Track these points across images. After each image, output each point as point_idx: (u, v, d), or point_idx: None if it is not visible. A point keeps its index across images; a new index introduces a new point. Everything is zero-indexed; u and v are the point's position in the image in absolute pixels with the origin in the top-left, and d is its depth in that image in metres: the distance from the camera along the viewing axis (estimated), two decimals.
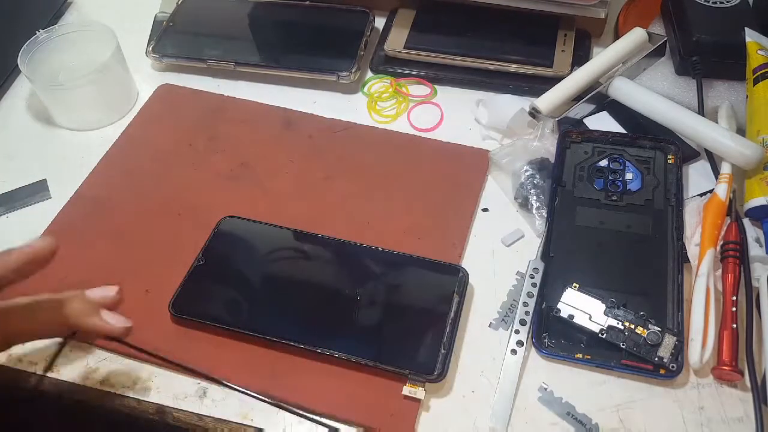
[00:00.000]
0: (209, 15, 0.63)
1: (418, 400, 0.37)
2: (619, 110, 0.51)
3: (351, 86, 0.56)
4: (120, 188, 0.49)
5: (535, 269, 0.42)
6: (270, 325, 0.39)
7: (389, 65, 0.57)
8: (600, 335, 0.38)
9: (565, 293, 0.40)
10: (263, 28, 0.61)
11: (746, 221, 0.43)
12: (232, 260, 0.43)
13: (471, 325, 0.41)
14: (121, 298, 0.37)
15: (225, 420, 0.37)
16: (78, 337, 0.35)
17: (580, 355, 0.38)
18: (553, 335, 0.39)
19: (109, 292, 0.36)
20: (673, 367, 0.37)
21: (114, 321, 0.35)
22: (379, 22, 0.60)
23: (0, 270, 0.32)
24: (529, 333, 0.40)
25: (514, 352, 0.39)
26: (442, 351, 0.38)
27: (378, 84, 0.57)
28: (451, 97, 0.55)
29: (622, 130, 0.50)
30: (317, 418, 0.36)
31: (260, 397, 0.36)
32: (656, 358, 0.37)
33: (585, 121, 0.51)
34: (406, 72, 0.56)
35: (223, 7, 0.63)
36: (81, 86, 0.52)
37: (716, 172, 0.46)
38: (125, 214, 0.47)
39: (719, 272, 0.41)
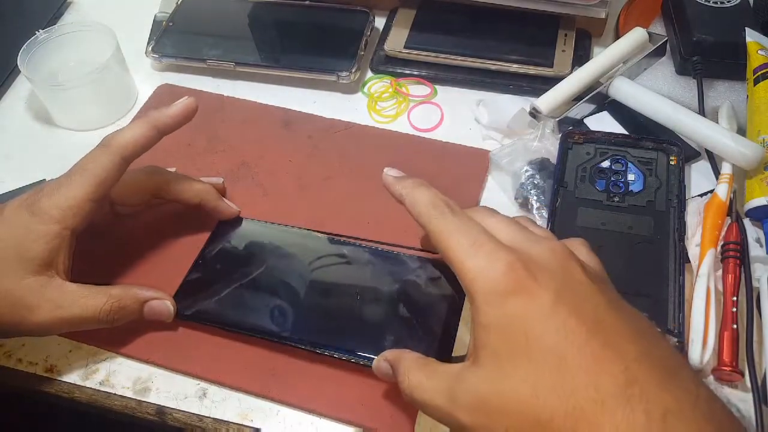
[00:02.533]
0: (209, 15, 0.63)
1: None
2: (619, 110, 0.51)
3: (351, 86, 0.56)
4: None
5: None
6: (270, 325, 0.39)
7: (389, 65, 0.57)
8: None
9: None
10: (263, 28, 0.61)
11: (747, 221, 0.43)
12: (232, 261, 0.43)
13: None
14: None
15: (225, 421, 0.37)
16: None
17: None
18: None
19: (219, 180, 0.47)
20: None
21: (232, 204, 0.45)
22: (379, 22, 0.60)
23: (162, 117, 0.41)
24: None
25: None
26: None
27: (378, 84, 0.57)
28: (452, 97, 0.55)
29: (623, 130, 0.50)
30: None
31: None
32: None
33: (585, 121, 0.51)
34: (406, 72, 0.56)
35: (223, 7, 0.63)
36: (80, 86, 0.52)
37: (717, 173, 0.46)
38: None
39: (720, 272, 0.41)
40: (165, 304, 0.39)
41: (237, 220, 0.45)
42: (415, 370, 0.31)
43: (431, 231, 0.32)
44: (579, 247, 0.33)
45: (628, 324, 0.27)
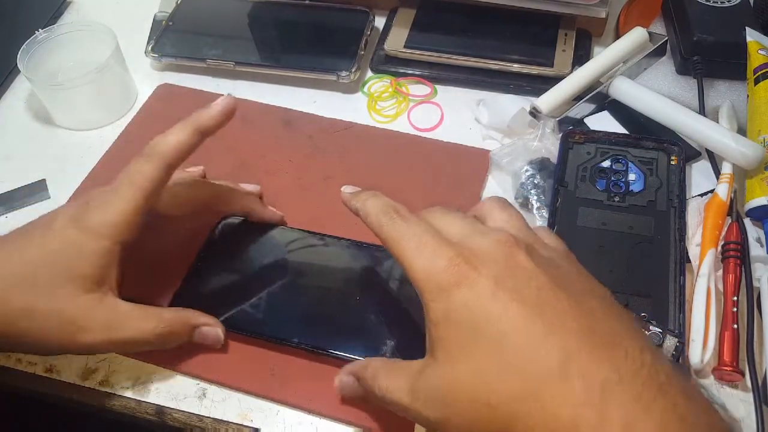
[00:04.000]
0: (208, 14, 0.63)
1: None
2: (619, 110, 0.51)
3: (351, 86, 0.56)
4: None
5: None
6: (269, 325, 0.39)
7: (389, 65, 0.57)
8: None
9: None
10: (263, 28, 0.61)
11: (747, 221, 0.43)
12: (231, 261, 0.43)
13: None
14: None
15: (224, 421, 0.37)
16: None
17: None
18: None
19: (257, 188, 0.47)
20: None
21: (276, 211, 0.45)
22: (379, 22, 0.60)
23: (203, 119, 0.39)
24: None
25: None
26: None
27: (378, 83, 0.57)
28: (452, 96, 0.55)
29: (623, 130, 0.50)
30: None
31: None
32: None
33: (586, 120, 0.51)
34: (407, 71, 0.56)
35: (223, 7, 0.63)
36: (80, 86, 0.52)
37: (717, 172, 0.46)
38: None
39: (720, 272, 0.41)
40: (216, 332, 0.39)
41: (235, 221, 0.45)
42: (383, 373, 0.32)
43: (383, 239, 0.33)
44: (539, 230, 0.34)
45: (573, 302, 0.28)
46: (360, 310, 0.39)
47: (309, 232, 0.44)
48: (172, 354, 0.39)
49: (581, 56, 0.55)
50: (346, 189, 0.37)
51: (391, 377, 0.31)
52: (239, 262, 0.43)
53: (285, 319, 0.39)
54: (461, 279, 0.28)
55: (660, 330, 0.37)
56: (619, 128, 0.50)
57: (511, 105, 0.51)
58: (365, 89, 0.56)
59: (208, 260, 0.43)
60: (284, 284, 0.41)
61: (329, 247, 0.43)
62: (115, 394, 0.39)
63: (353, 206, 0.36)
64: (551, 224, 0.44)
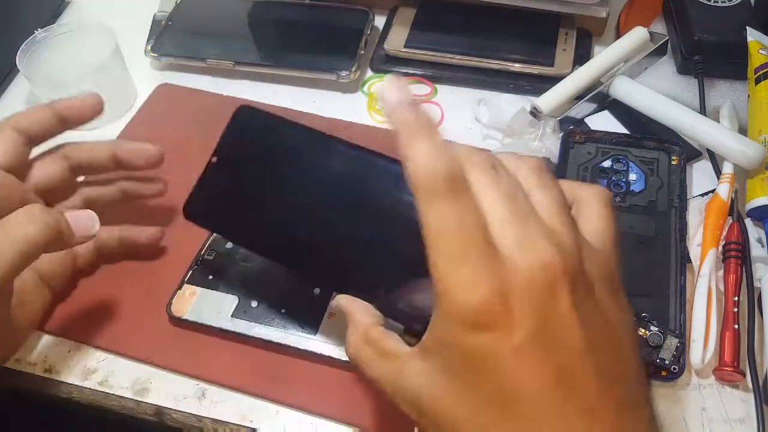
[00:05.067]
0: (208, 14, 0.63)
1: None
2: (620, 109, 0.51)
3: (351, 85, 0.56)
4: None
5: None
6: (280, 249, 0.35)
7: (389, 64, 0.57)
8: None
9: None
10: (262, 27, 0.61)
11: (748, 221, 0.43)
12: (249, 164, 0.38)
13: None
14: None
15: (223, 421, 0.37)
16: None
17: None
18: None
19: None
20: (674, 369, 0.37)
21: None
22: (380, 21, 0.60)
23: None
24: None
25: None
26: None
27: (378, 83, 0.57)
28: (452, 96, 0.55)
29: (624, 130, 0.50)
30: None
31: None
32: (658, 360, 0.37)
33: (586, 120, 0.51)
34: (407, 71, 0.56)
35: (222, 6, 0.63)
36: (79, 86, 0.51)
37: (718, 172, 0.46)
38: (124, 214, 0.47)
39: (721, 272, 0.41)
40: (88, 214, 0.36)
41: (252, 111, 0.39)
42: (366, 345, 0.29)
43: (420, 217, 0.25)
44: (591, 215, 0.29)
45: (601, 387, 0.25)
46: (391, 243, 0.32)
47: (345, 142, 0.37)
48: (171, 354, 0.39)
49: (582, 56, 0.55)
50: (387, 93, 0.26)
51: (377, 353, 0.29)
52: (258, 165, 0.37)
53: (296, 245, 0.34)
54: (490, 323, 0.24)
55: (660, 330, 0.37)
56: (619, 128, 0.50)
57: (511, 104, 0.51)
58: (365, 89, 0.56)
59: (226, 158, 0.38)
60: (302, 201, 0.35)
61: (361, 162, 0.36)
62: (114, 394, 0.39)
63: (397, 136, 0.26)
64: None
